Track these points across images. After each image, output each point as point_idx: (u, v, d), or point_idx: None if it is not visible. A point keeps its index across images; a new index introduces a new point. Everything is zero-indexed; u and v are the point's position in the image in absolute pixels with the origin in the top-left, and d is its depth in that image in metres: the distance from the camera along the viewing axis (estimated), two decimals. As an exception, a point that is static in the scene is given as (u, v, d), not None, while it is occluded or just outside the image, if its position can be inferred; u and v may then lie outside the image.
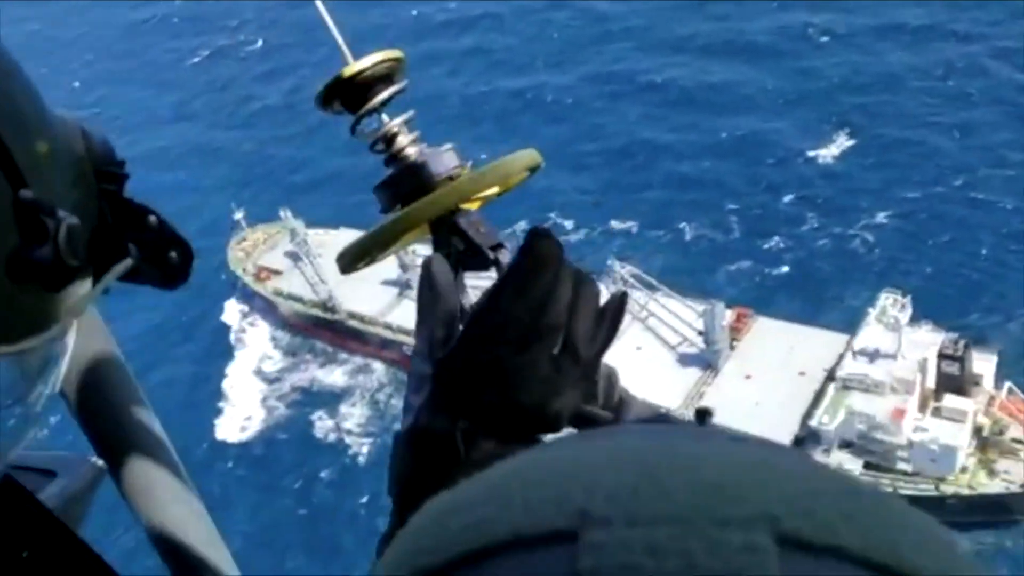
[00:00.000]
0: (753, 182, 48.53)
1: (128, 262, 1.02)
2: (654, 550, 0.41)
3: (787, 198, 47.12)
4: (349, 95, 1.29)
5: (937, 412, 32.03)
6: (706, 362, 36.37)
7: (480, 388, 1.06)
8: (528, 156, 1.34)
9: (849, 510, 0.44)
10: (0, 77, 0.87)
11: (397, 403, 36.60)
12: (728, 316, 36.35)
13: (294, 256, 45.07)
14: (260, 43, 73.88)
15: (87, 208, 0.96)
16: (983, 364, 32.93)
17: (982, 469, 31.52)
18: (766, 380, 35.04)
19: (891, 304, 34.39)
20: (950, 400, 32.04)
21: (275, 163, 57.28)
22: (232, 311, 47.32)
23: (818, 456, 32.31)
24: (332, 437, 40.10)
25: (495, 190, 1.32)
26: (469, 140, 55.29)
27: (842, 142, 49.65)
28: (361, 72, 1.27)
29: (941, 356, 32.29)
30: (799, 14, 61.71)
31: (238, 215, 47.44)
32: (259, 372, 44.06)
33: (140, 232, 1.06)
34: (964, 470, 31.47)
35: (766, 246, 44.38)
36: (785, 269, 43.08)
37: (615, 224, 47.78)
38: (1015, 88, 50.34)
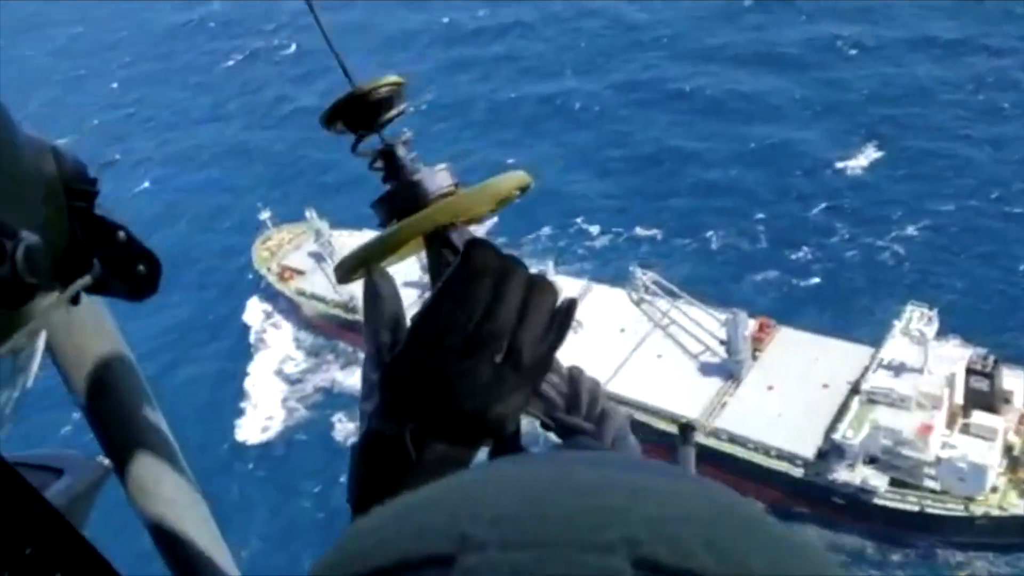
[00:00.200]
0: (781, 192, 48.07)
1: (87, 279, 1.06)
2: (518, 573, 0.44)
3: (816, 208, 46.62)
4: (351, 116, 1.36)
5: (966, 429, 31.28)
6: (728, 372, 35.91)
7: (422, 394, 1.09)
8: (518, 177, 1.39)
9: (713, 535, 0.46)
10: None
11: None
12: (751, 326, 35.86)
13: (318, 256, 45.22)
14: (294, 47, 74.55)
15: (55, 226, 1.00)
16: (1014, 381, 32.16)
17: (1013, 489, 30.75)
18: (789, 392, 34.50)
19: (917, 317, 33.72)
20: (979, 417, 31.29)
21: (306, 164, 57.67)
22: (255, 311, 47.60)
23: (842, 471, 31.87)
24: (352, 440, 39.99)
25: (487, 208, 1.38)
26: (497, 144, 55.43)
27: (872, 153, 49.07)
28: (363, 95, 1.33)
29: (969, 371, 31.58)
30: (829, 26, 61.25)
31: (264, 215, 47.81)
32: (281, 373, 44.21)
33: (110, 247, 1.10)
34: (994, 490, 30.71)
35: (794, 256, 43.90)
36: (813, 280, 42.57)
37: (640, 231, 47.54)
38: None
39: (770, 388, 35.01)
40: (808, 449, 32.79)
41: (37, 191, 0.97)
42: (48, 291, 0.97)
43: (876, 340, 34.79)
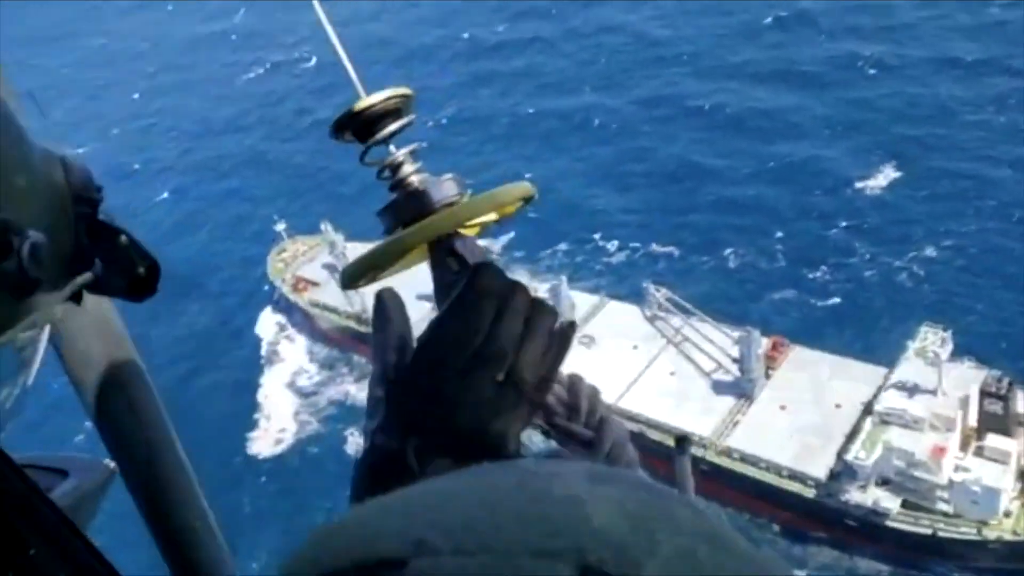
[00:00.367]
0: (801, 210, 47.76)
1: (88, 275, 1.12)
2: None
3: (835, 227, 46.25)
4: (359, 127, 1.39)
5: (979, 452, 30.84)
6: (740, 390, 35.63)
7: (425, 411, 1.13)
8: (522, 188, 1.42)
9: (658, 546, 0.47)
10: None
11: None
12: (764, 345, 35.59)
13: (332, 268, 45.33)
14: (314, 60, 75.11)
15: (60, 228, 1.06)
16: (1030, 404, 31.68)
17: (1027, 514, 30.26)
18: (801, 411, 34.16)
19: (931, 338, 33.33)
20: (993, 440, 30.84)
21: (324, 176, 58.00)
22: (269, 322, 47.77)
23: (854, 492, 31.46)
24: (357, 454, 39.90)
25: (491, 217, 1.43)
26: (517, 159, 55.54)
27: (892, 173, 48.65)
28: (371, 106, 1.36)
29: (984, 394, 31.13)
30: (851, 45, 61.04)
31: (279, 226, 48.10)
32: (294, 385, 44.25)
33: (112, 249, 1.15)
34: (1008, 514, 30.23)
35: (812, 276, 43.53)
36: (831, 300, 42.16)
37: (658, 247, 47.37)
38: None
39: (782, 408, 34.70)
40: (820, 470, 32.44)
41: (45, 196, 1.04)
42: (52, 287, 1.03)
43: (891, 361, 34.43)
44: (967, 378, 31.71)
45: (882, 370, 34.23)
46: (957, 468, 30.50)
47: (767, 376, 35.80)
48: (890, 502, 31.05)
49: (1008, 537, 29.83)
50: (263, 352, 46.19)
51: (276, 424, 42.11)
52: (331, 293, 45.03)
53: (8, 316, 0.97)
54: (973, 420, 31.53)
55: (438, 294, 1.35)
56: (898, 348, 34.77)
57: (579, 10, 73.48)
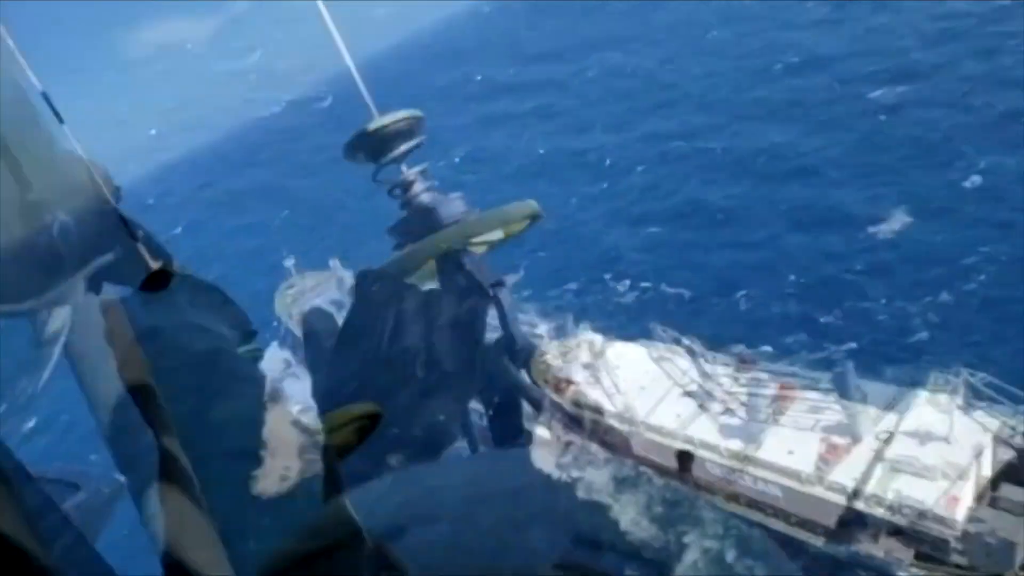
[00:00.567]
0: (814, 252, 47.33)
1: (109, 256, 1.29)
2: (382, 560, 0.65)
3: (849, 270, 45.71)
4: (372, 147, 1.18)
5: (994, 503, 29.94)
6: (748, 434, 34.86)
7: None
8: (528, 207, 1.23)
9: (634, 544, 0.55)
10: (27, 131, 1.23)
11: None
12: (772, 388, 34.92)
13: (338, 304, 45.18)
14: (330, 99, 76.00)
15: (85, 217, 1.27)
16: (1047, 453, 30.75)
17: (1046, 568, 29.26)
18: (810, 457, 33.33)
19: (943, 384, 32.56)
20: (1008, 490, 29.95)
21: (341, 212, 58.29)
22: (275, 359, 47.56)
23: (865, 542, 30.52)
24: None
25: (499, 235, 1.23)
26: (528, 197, 55.51)
27: (906, 216, 48.11)
28: (384, 127, 1.18)
29: (998, 442, 30.29)
30: (864, 88, 60.97)
31: (288, 262, 48.25)
32: (299, 424, 43.81)
33: (130, 242, 1.30)
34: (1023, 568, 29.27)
35: (824, 320, 42.98)
36: (844, 345, 41.57)
37: (668, 288, 46.95)
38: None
39: (790, 452, 33.90)
40: (829, 518, 31.59)
41: (71, 187, 1.20)
42: (75, 268, 1.22)
43: (903, 407, 33.66)
44: (981, 426, 30.90)
45: (893, 416, 33.45)
46: (971, 519, 29.60)
47: (775, 420, 35.03)
48: (902, 553, 30.14)
49: (1024, 591, 28.86)
50: (267, 388, 45.86)
51: (281, 462, 41.67)
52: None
53: (36, 286, 1.03)
54: (987, 469, 30.66)
55: (446, 304, 1.07)
56: (911, 393, 34.06)
57: (590, 52, 74.02)
